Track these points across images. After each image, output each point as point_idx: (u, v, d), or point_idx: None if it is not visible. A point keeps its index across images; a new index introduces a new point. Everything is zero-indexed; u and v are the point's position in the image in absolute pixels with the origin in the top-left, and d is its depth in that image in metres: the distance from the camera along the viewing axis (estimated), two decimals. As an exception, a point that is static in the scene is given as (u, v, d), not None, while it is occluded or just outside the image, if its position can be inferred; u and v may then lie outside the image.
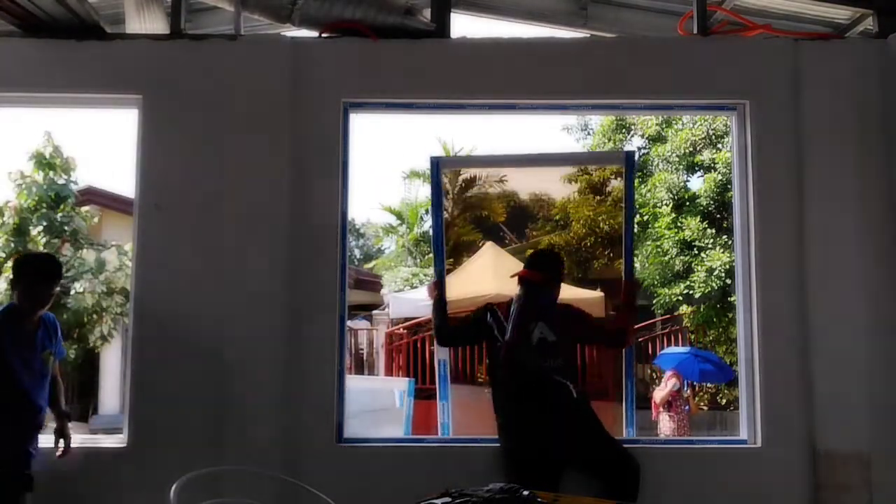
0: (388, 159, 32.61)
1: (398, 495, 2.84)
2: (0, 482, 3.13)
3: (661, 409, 7.46)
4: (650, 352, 11.51)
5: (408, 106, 4.14)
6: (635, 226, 3.98)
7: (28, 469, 3.24)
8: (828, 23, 4.41)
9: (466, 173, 19.65)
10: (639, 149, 14.03)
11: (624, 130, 13.88)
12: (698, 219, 10.92)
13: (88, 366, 11.12)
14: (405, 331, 10.59)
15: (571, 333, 3.63)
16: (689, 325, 11.35)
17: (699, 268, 10.77)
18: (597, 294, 10.00)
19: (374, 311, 14.41)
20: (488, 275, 10.93)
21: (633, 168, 3.83)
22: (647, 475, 3.51)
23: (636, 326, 3.89)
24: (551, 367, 3.47)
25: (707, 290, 10.61)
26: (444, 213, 4.30)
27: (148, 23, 4.16)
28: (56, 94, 4.11)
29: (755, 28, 4.11)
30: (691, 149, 12.12)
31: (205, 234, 3.83)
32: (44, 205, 10.19)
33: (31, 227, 10.14)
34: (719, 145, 11.92)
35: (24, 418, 3.28)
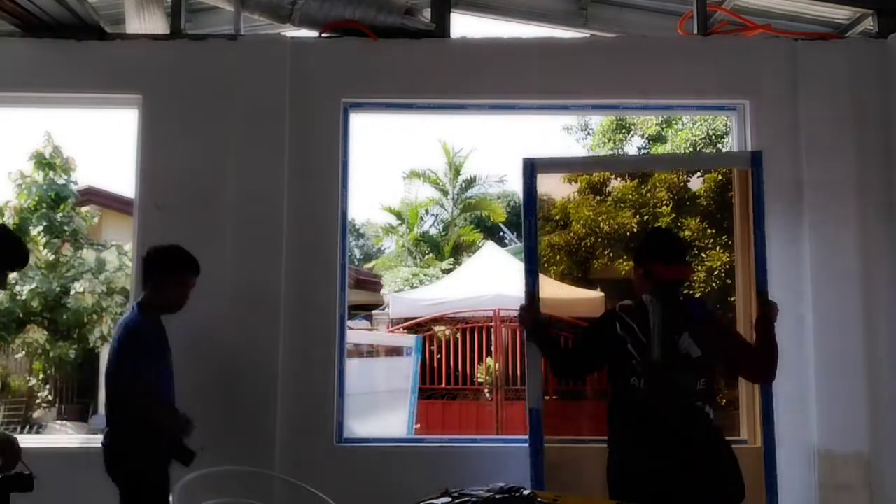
0: (388, 159, 32.61)
1: (398, 495, 2.84)
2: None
3: None
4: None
5: (408, 106, 4.15)
6: (763, 235, 3.42)
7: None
8: (828, 23, 4.41)
9: (466, 174, 19.69)
10: (639, 149, 14.04)
11: (624, 130, 13.89)
12: (698, 219, 10.92)
13: (88, 366, 11.11)
14: (405, 331, 10.59)
15: (717, 348, 2.83)
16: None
17: (699, 268, 10.77)
18: (597, 294, 10.00)
19: (374, 311, 14.39)
20: (488, 275, 10.95)
21: (760, 168, 3.35)
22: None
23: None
24: (693, 390, 2.75)
25: (707, 290, 10.62)
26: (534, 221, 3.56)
27: (148, 23, 4.16)
28: (56, 94, 4.11)
29: (755, 28, 4.11)
30: (691, 149, 12.12)
31: (205, 234, 3.82)
32: (44, 205, 10.20)
33: (31, 227, 10.15)
34: (719, 145, 11.93)
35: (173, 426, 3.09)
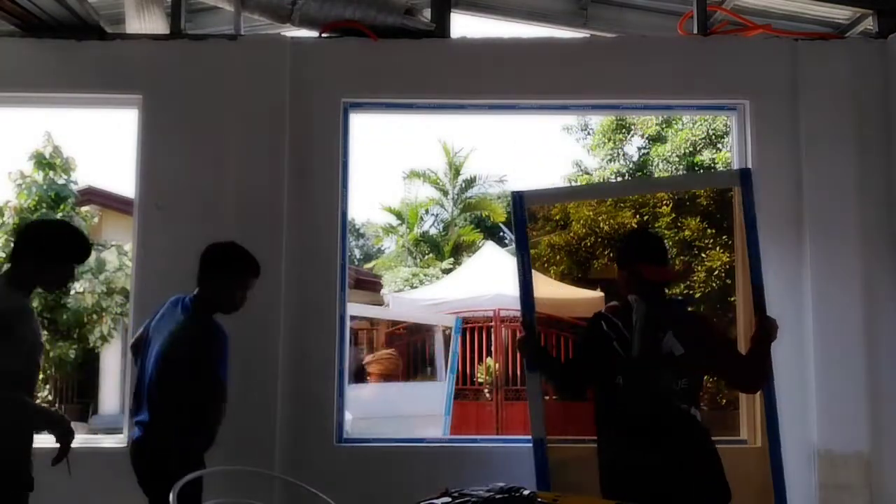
0: (388, 159, 32.59)
1: (398, 495, 2.84)
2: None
3: None
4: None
5: (408, 106, 4.14)
6: (758, 258, 3.34)
7: None
8: (828, 23, 4.41)
9: (466, 174, 19.70)
10: (639, 149, 14.04)
11: (624, 130, 13.90)
12: (698, 219, 10.94)
13: (88, 366, 11.12)
14: (405, 331, 10.59)
15: (700, 347, 2.78)
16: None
17: (699, 268, 10.77)
18: (597, 294, 10.01)
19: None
20: (488, 275, 10.95)
21: (750, 186, 3.30)
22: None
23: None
24: (675, 390, 2.72)
25: (707, 290, 10.63)
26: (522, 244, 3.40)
27: (148, 23, 4.16)
28: (56, 94, 4.12)
29: (755, 28, 4.11)
30: (691, 149, 12.14)
31: (205, 234, 3.81)
32: (44, 205, 10.19)
33: (30, 227, 10.13)
34: (719, 145, 11.94)
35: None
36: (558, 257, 10.90)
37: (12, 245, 2.76)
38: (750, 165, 3.95)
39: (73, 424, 2.80)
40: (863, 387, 3.74)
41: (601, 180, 13.72)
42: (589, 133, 15.17)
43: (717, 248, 10.66)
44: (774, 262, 3.81)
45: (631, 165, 13.88)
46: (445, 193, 19.87)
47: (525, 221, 3.40)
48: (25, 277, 2.71)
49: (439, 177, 19.82)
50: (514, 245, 3.43)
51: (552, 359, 3.32)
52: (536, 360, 3.17)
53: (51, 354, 10.24)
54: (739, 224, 3.48)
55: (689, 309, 2.88)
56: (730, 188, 3.50)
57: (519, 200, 3.39)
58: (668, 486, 2.66)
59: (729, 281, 10.02)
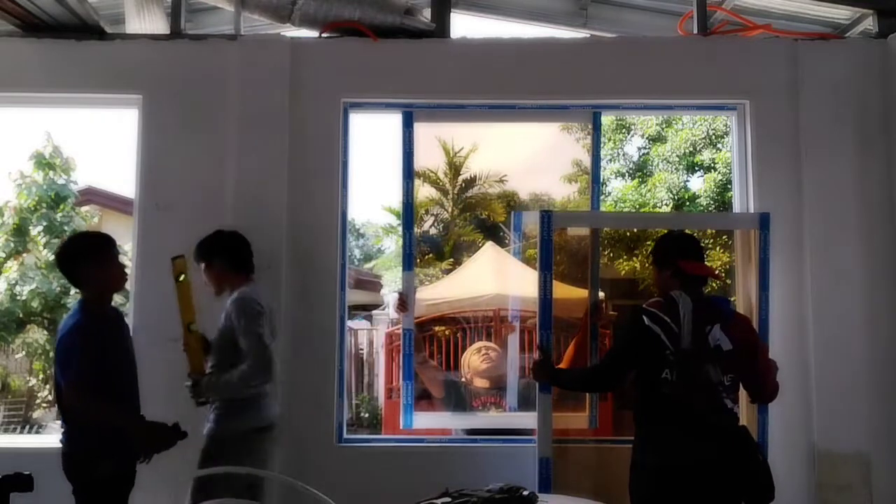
0: (388, 159, 32.57)
1: (398, 495, 2.84)
2: None
3: None
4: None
5: (408, 106, 4.14)
6: (768, 296, 3.53)
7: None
8: (828, 23, 4.41)
9: (466, 173, 19.69)
10: (639, 149, 14.04)
11: (624, 130, 13.89)
12: (698, 219, 10.92)
13: (88, 366, 11.12)
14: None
15: (747, 345, 2.83)
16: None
17: (699, 268, 10.77)
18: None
19: (374, 311, 14.40)
20: (488, 275, 10.95)
21: (767, 229, 3.41)
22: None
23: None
24: (722, 385, 2.74)
25: (707, 290, 10.63)
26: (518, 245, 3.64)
27: (148, 23, 4.16)
28: (56, 94, 4.12)
29: (755, 28, 4.11)
30: (691, 149, 12.14)
31: (205, 234, 3.82)
32: (44, 205, 10.20)
33: (31, 227, 10.15)
34: (719, 145, 11.94)
35: None
36: (558, 257, 10.89)
37: None
38: (750, 165, 3.95)
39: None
40: (863, 387, 3.74)
41: (603, 181, 13.71)
42: (589, 133, 15.18)
43: (718, 248, 10.65)
44: (775, 262, 3.81)
45: (631, 165, 13.88)
46: (445, 193, 19.85)
47: (551, 241, 3.40)
48: None
49: (439, 177, 19.80)
50: (513, 249, 3.50)
51: (567, 374, 3.38)
52: (552, 383, 3.25)
53: (51, 354, 10.24)
54: (753, 259, 3.56)
55: (732, 305, 2.99)
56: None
57: (547, 220, 3.40)
58: (718, 479, 2.64)
59: (729, 281, 10.03)
